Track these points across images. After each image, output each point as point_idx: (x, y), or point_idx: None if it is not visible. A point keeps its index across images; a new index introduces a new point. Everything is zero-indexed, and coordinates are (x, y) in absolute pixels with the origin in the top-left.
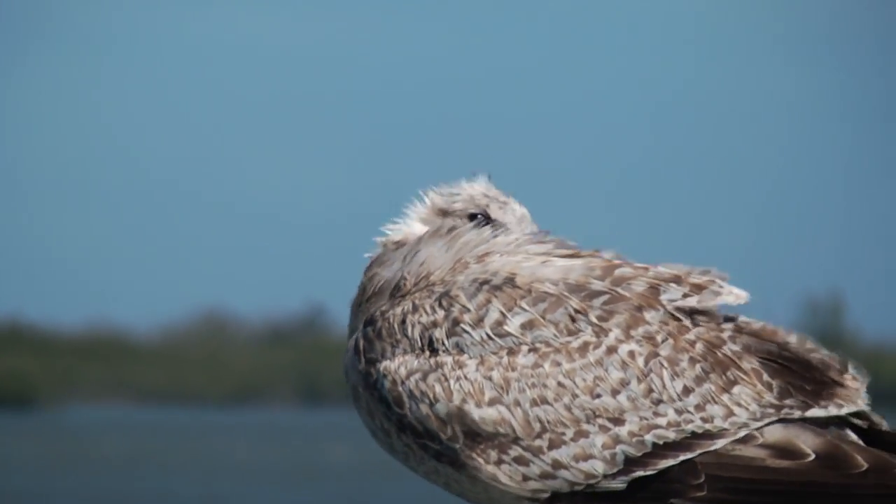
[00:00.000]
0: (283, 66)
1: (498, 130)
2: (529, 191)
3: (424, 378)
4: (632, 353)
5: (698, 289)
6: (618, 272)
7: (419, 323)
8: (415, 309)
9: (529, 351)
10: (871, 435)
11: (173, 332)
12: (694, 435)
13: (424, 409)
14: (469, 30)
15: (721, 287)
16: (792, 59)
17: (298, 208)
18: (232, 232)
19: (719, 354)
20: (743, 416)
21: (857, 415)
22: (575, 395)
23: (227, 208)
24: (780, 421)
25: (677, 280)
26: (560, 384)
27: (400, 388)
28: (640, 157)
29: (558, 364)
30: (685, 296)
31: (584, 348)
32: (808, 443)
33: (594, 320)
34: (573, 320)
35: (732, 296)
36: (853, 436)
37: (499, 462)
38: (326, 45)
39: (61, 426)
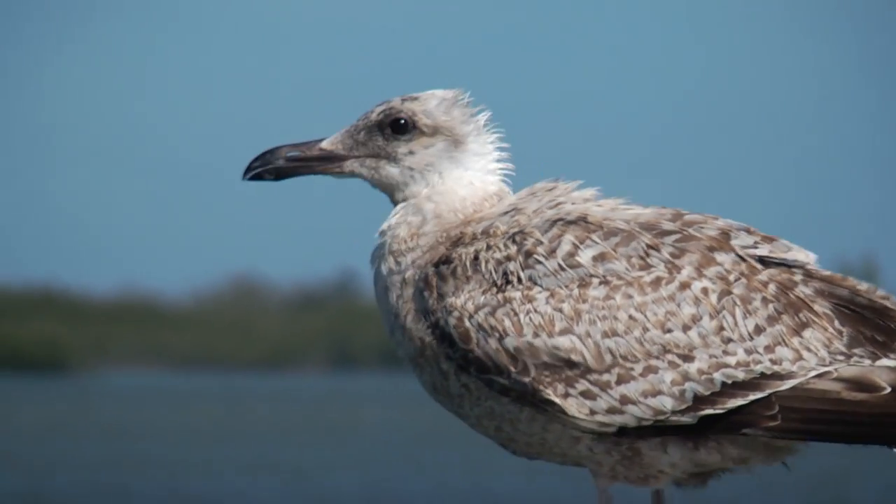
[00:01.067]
0: (317, 40)
1: (527, 112)
2: (574, 159)
3: (493, 312)
4: (705, 290)
5: (769, 240)
6: (688, 217)
7: (493, 259)
8: (489, 247)
9: (601, 283)
10: None
11: (204, 297)
12: (763, 376)
13: (493, 343)
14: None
15: (790, 245)
16: (824, 23)
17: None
18: (263, 198)
19: (792, 296)
20: (812, 360)
21: None
22: (646, 329)
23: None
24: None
25: (748, 230)
26: (631, 317)
27: (467, 323)
28: (671, 127)
29: (630, 297)
30: (756, 244)
31: (656, 283)
32: (883, 377)
33: (667, 256)
34: (646, 255)
35: (802, 254)
36: None
37: (566, 395)
38: (363, 20)
39: (93, 391)
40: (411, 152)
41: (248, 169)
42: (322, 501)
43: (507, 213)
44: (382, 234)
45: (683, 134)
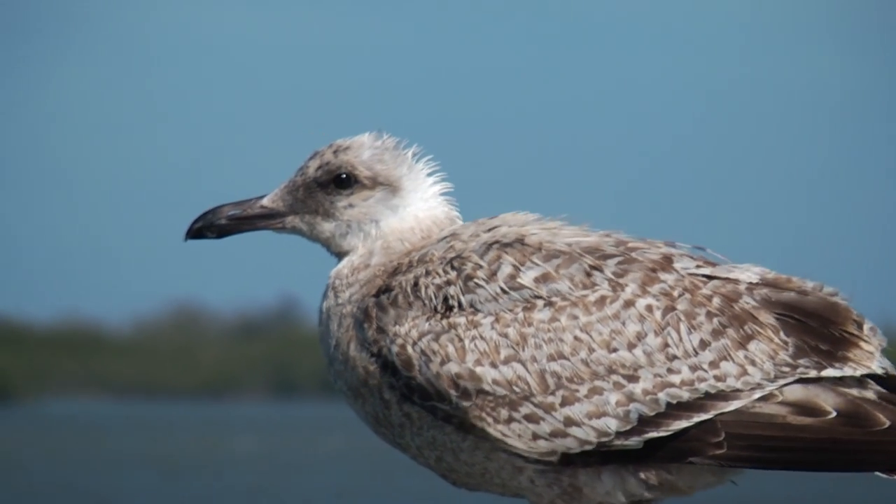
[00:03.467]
0: (258, 62)
1: (511, 124)
2: (563, 180)
3: (437, 339)
4: (649, 307)
5: (711, 265)
6: (631, 244)
7: (432, 284)
8: (427, 273)
9: (545, 305)
10: (892, 389)
11: (146, 325)
12: (707, 395)
13: (435, 368)
14: (488, 21)
15: (734, 266)
16: (839, 49)
17: None
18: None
19: (737, 308)
20: (757, 376)
21: (872, 376)
22: (591, 350)
23: (198, 201)
24: (797, 381)
25: (690, 256)
26: (577, 338)
27: (410, 350)
28: (675, 150)
29: (575, 318)
30: (698, 266)
31: (601, 301)
32: (828, 401)
33: (610, 276)
34: (588, 275)
35: (745, 275)
36: (871, 393)
37: (509, 420)
38: (302, 39)
39: (34, 419)
40: (351, 205)
41: (190, 229)
42: None
43: (443, 239)
44: (328, 277)
45: (688, 161)
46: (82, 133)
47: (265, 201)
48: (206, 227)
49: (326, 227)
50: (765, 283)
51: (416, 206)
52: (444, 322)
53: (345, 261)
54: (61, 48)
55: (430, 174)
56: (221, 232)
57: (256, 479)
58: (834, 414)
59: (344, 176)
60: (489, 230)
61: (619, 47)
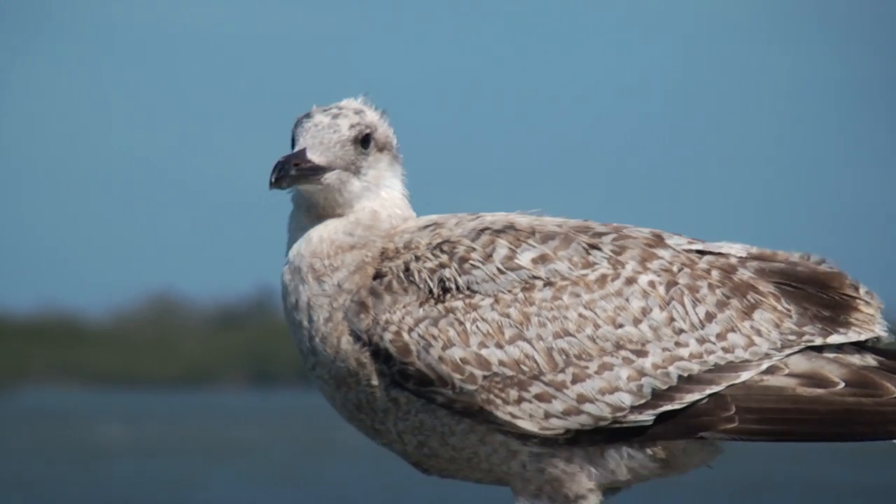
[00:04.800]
0: (236, 56)
1: (492, 125)
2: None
3: (435, 324)
4: (651, 283)
5: (701, 242)
6: (616, 224)
7: (425, 269)
8: (417, 258)
9: (545, 285)
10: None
11: (124, 315)
12: (717, 367)
13: (437, 353)
14: (465, 20)
15: (721, 244)
16: (789, 41)
17: (249, 191)
18: (182, 215)
19: (735, 279)
20: (764, 346)
21: (877, 339)
22: (597, 326)
23: (177, 191)
24: (801, 352)
25: (678, 235)
26: (581, 315)
27: (406, 337)
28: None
29: (577, 295)
30: (690, 242)
31: (602, 280)
32: (834, 372)
33: (609, 253)
34: (587, 253)
35: (734, 248)
36: (872, 360)
37: (519, 401)
38: (277, 29)
39: (12, 410)
40: (370, 167)
41: (277, 178)
42: None
43: (426, 227)
44: (299, 252)
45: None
46: (60, 124)
47: (314, 157)
48: (281, 178)
49: (356, 186)
50: (752, 256)
51: (401, 183)
52: (441, 307)
53: (326, 231)
54: (32, 37)
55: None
56: (292, 183)
57: (245, 467)
58: (842, 384)
59: (368, 136)
60: (473, 219)
61: (590, 40)
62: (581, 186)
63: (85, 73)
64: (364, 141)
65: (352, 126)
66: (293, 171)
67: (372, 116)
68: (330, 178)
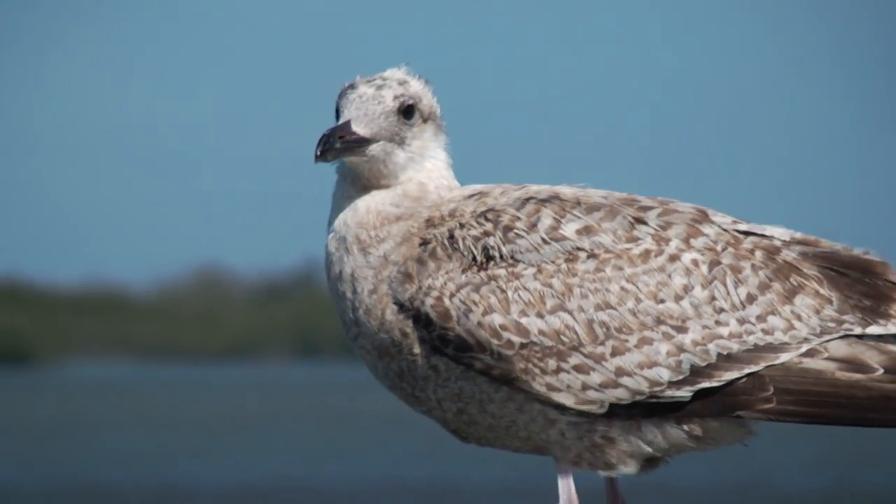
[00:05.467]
0: (285, 28)
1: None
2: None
3: (477, 290)
4: (695, 261)
5: (745, 222)
6: (662, 198)
7: (469, 236)
8: (461, 226)
9: (589, 257)
10: None
11: (169, 288)
12: (756, 347)
13: (476, 319)
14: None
15: (764, 226)
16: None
17: (296, 164)
18: (229, 188)
19: (779, 260)
20: (803, 330)
21: None
22: (639, 300)
23: (223, 165)
24: (841, 338)
25: (722, 213)
26: (623, 289)
27: (447, 302)
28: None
29: (620, 269)
30: (734, 221)
31: (645, 255)
32: (873, 358)
33: (654, 228)
34: (632, 227)
35: (777, 231)
36: None
37: (557, 371)
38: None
39: (57, 382)
40: (414, 137)
41: (322, 152)
42: (292, 491)
43: (471, 196)
44: (346, 223)
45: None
46: (106, 99)
47: (359, 129)
48: (327, 151)
49: (401, 156)
50: (795, 241)
51: (446, 153)
52: (483, 274)
53: (374, 202)
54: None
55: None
56: (337, 155)
57: (289, 439)
58: (881, 371)
59: (411, 107)
60: (518, 188)
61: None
62: (615, 164)
63: (133, 45)
64: (407, 111)
65: (396, 97)
66: (338, 143)
67: (416, 86)
68: (375, 149)
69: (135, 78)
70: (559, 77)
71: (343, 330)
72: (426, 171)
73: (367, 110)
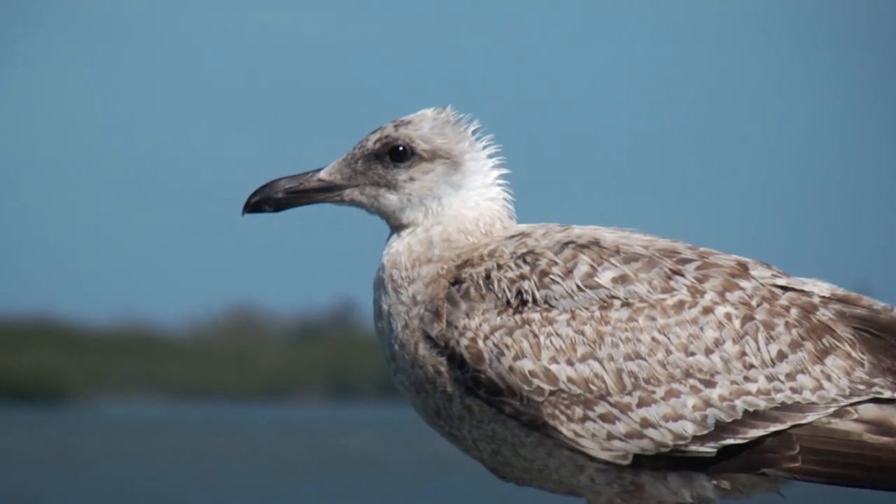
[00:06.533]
0: (310, 59)
1: (504, 114)
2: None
3: (510, 334)
4: (728, 315)
5: (785, 275)
6: (703, 249)
7: (505, 278)
8: (499, 266)
9: (622, 305)
10: None
11: (203, 327)
12: (784, 405)
13: (507, 363)
14: (470, 18)
15: (804, 280)
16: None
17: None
18: (262, 227)
19: (814, 320)
20: (832, 391)
21: None
22: (669, 351)
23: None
24: (871, 400)
25: (763, 264)
26: (654, 339)
27: (481, 344)
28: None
29: (653, 319)
30: (774, 276)
31: (679, 306)
32: None
33: (690, 281)
34: (668, 279)
35: (817, 287)
36: None
37: (583, 419)
38: (350, 35)
39: (89, 421)
40: (412, 179)
41: (247, 203)
42: None
43: (512, 237)
44: (383, 264)
45: (658, 161)
46: (140, 137)
47: (322, 174)
48: (263, 201)
49: (392, 199)
50: (835, 297)
51: (478, 192)
52: (518, 317)
53: (403, 244)
54: (111, 36)
55: (490, 155)
56: (279, 205)
57: (326, 480)
58: None
59: (401, 148)
60: (561, 231)
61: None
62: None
63: (167, 84)
64: (394, 154)
65: (377, 141)
66: (279, 193)
67: (418, 128)
68: (350, 194)
69: (169, 116)
70: (636, 113)
71: (386, 366)
72: (437, 216)
73: (347, 155)
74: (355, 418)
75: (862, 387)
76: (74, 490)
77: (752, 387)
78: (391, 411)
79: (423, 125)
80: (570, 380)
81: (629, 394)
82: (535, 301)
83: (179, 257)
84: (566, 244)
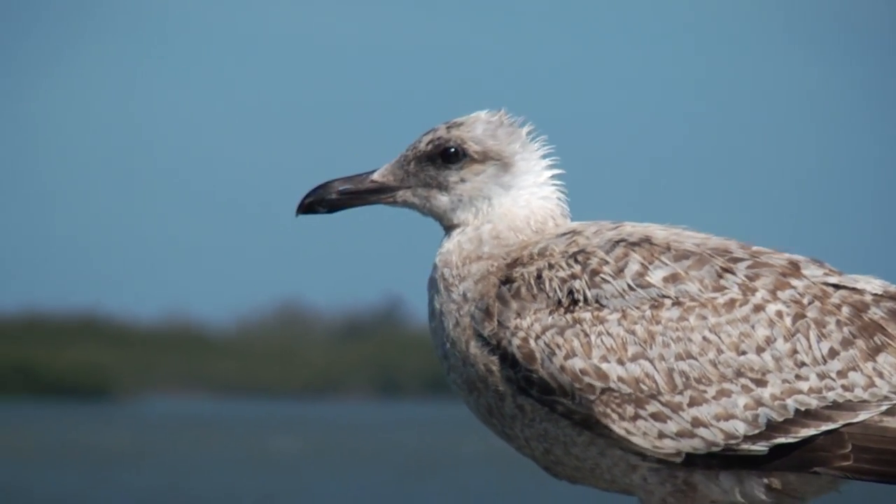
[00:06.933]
0: (365, 62)
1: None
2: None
3: (561, 333)
4: (779, 313)
5: (837, 274)
6: (755, 248)
7: (556, 277)
8: (550, 266)
9: (673, 304)
10: None
11: (249, 324)
12: (835, 404)
13: (559, 363)
14: (495, 21)
15: (857, 277)
16: (817, 52)
17: None
18: (309, 225)
19: (865, 318)
20: (884, 389)
21: None
22: (720, 351)
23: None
24: None
25: (815, 262)
26: (705, 339)
27: (532, 344)
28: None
29: (704, 318)
30: (826, 274)
31: (730, 304)
32: None
33: (742, 279)
34: (719, 277)
35: (869, 285)
36: None
37: (635, 418)
38: (383, 36)
39: (137, 417)
40: (462, 180)
41: (301, 204)
42: None
43: (563, 235)
44: (435, 264)
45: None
46: (188, 136)
47: (376, 175)
48: (317, 202)
49: (444, 200)
50: (888, 295)
51: (529, 191)
52: (569, 316)
53: (453, 243)
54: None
55: (544, 156)
56: (332, 207)
57: (371, 476)
58: None
59: (452, 150)
60: (613, 228)
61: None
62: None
63: (216, 84)
64: (445, 155)
65: (429, 143)
66: (333, 195)
67: (470, 129)
68: (403, 195)
69: (218, 116)
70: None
71: (440, 365)
72: (487, 216)
73: (400, 157)
74: (401, 416)
75: None
76: (119, 487)
77: (804, 385)
78: (438, 408)
79: (476, 127)
80: (620, 379)
81: (680, 393)
82: (586, 301)
83: (227, 255)
84: (617, 242)
